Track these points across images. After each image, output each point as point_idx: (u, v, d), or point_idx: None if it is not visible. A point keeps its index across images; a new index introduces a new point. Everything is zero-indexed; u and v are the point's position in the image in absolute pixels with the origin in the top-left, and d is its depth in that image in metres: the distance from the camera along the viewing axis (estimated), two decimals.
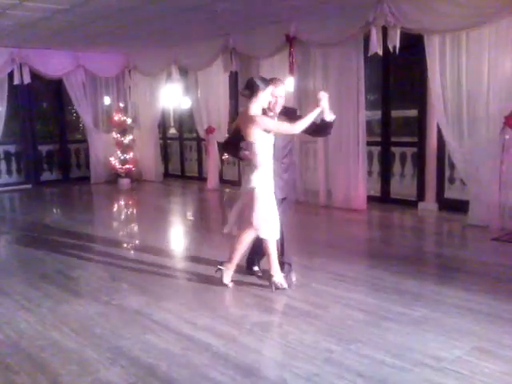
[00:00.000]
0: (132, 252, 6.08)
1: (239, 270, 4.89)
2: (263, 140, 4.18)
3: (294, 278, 4.50)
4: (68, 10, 6.68)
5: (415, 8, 6.40)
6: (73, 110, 11.73)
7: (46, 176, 11.46)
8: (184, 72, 10.37)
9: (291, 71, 7.91)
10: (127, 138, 11.11)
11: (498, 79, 5.96)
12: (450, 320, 3.66)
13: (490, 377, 2.87)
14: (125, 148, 11.06)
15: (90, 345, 3.41)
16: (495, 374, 2.90)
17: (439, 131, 6.88)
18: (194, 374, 3.00)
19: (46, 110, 12.37)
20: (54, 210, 9.23)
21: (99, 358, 3.23)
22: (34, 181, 10.99)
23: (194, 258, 5.43)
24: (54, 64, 10.42)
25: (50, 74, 10.47)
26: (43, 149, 11.40)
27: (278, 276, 4.31)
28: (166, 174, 11.97)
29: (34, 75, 10.26)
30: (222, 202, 9.61)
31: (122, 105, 11.37)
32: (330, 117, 4.28)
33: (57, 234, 6.66)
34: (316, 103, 4.22)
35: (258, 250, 4.59)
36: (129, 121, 11.23)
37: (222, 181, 10.36)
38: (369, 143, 7.79)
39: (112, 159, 11.03)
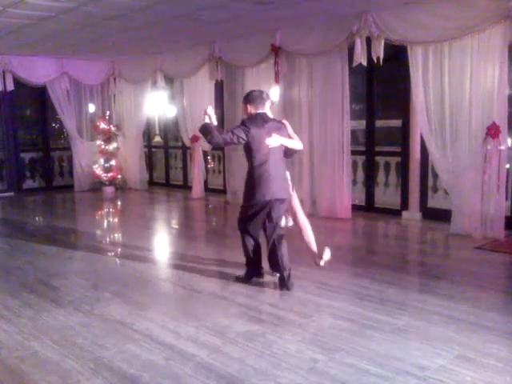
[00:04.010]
0: (115, 260, 6.02)
1: (222, 277, 4.89)
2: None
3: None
4: (53, 17, 6.64)
5: (399, 19, 6.50)
6: (56, 118, 11.62)
7: (29, 184, 11.33)
8: (169, 80, 10.36)
9: (277, 80, 7.96)
10: (111, 146, 11.04)
11: (480, 90, 6.05)
12: (433, 328, 3.67)
13: None
14: (109, 156, 10.99)
15: (71, 355, 3.35)
16: (478, 382, 2.92)
17: (422, 141, 6.95)
18: None
19: (30, 117, 12.24)
20: (37, 218, 9.11)
21: (80, 368, 3.17)
22: (16, 189, 10.84)
23: (178, 267, 5.39)
24: (38, 71, 10.34)
25: (33, 81, 10.38)
26: (26, 156, 11.27)
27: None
28: (151, 183, 11.91)
29: (18, 82, 10.17)
30: (206, 210, 9.58)
31: (106, 112, 11.31)
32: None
33: (38, 243, 6.56)
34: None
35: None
36: (113, 129, 11.16)
37: (207, 189, 10.34)
38: (353, 152, 7.84)
39: (95, 167, 10.94)
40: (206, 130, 4.47)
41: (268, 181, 4.45)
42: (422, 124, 6.72)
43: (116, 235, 7.63)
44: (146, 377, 3.05)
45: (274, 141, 4.44)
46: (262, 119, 4.50)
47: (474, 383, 2.91)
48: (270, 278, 4.81)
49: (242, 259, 5.05)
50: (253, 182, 4.50)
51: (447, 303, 4.14)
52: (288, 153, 4.68)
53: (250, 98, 4.58)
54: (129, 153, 11.44)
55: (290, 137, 4.65)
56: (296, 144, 4.66)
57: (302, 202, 8.01)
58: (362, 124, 8.45)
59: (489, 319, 3.81)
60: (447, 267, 5.33)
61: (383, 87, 8.79)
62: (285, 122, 4.76)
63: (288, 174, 4.74)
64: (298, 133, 8.02)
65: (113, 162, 11.02)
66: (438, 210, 7.16)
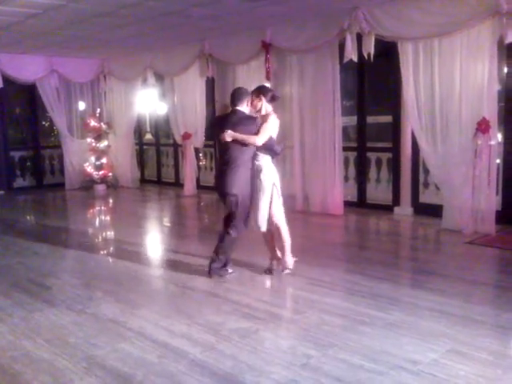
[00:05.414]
0: (107, 259, 6.00)
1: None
2: None
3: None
4: (41, 14, 6.58)
5: (389, 15, 6.51)
6: (47, 116, 11.53)
7: (20, 182, 11.27)
8: (160, 77, 10.32)
9: (267, 77, 7.95)
10: (102, 144, 10.99)
11: (470, 85, 6.07)
12: (425, 323, 3.70)
13: (465, 379, 2.90)
14: (100, 154, 10.93)
15: (64, 354, 3.34)
16: (470, 376, 2.94)
17: (414, 137, 6.98)
18: (170, 383, 2.96)
19: (19, 115, 12.15)
20: (28, 217, 9.05)
21: (73, 367, 3.16)
22: (6, 187, 10.78)
23: (170, 265, 5.39)
24: (27, 69, 10.23)
25: (22, 79, 10.27)
26: (15, 155, 11.20)
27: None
28: (143, 180, 11.86)
29: (7, 80, 10.07)
30: (198, 208, 9.56)
31: (97, 110, 11.25)
32: None
33: (30, 242, 6.52)
34: None
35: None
36: (104, 126, 11.10)
37: (199, 187, 10.32)
38: (345, 149, 7.86)
39: (86, 165, 10.88)
40: None
41: (218, 172, 4.87)
42: (412, 120, 6.75)
43: (108, 233, 7.60)
44: (140, 375, 3.05)
45: (226, 136, 4.57)
46: (228, 115, 4.75)
47: (466, 376, 2.93)
48: (263, 274, 4.82)
49: (237, 256, 5.05)
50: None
51: (439, 298, 4.16)
52: (267, 149, 4.66)
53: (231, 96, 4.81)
54: (120, 150, 11.37)
55: (256, 132, 4.57)
56: (249, 138, 4.56)
57: (294, 198, 8.10)
58: (353, 120, 8.46)
59: (480, 313, 3.84)
60: (438, 262, 5.36)
61: (374, 83, 8.80)
62: (272, 115, 4.68)
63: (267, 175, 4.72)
64: (290, 129, 7.95)
65: (104, 160, 10.97)
66: (430, 205, 7.19)
